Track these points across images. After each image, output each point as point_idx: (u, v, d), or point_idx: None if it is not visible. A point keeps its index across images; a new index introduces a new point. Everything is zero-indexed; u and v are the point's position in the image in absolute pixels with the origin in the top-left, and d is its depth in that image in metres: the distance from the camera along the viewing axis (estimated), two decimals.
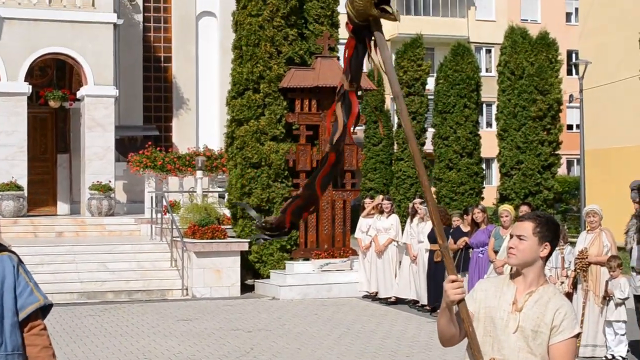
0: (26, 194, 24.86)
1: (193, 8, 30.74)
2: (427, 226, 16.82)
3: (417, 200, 18.18)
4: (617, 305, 12.26)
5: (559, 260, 12.94)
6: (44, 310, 4.70)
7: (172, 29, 30.79)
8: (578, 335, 4.63)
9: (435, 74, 29.09)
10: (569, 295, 12.40)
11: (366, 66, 35.08)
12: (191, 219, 20.76)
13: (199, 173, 23.62)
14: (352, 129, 4.68)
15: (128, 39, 29.59)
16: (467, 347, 4.47)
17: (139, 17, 30.25)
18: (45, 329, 4.70)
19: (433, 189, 27.64)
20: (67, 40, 25.39)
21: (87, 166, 25.46)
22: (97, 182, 24.98)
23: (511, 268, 4.66)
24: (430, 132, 28.74)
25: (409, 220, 18.08)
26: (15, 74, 24.98)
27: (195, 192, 23.30)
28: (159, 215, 22.69)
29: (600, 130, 30.98)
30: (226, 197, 22.94)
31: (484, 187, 27.72)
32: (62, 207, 28.05)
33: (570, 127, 48.74)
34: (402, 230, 18.18)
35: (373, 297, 18.58)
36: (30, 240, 22.60)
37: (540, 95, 25.66)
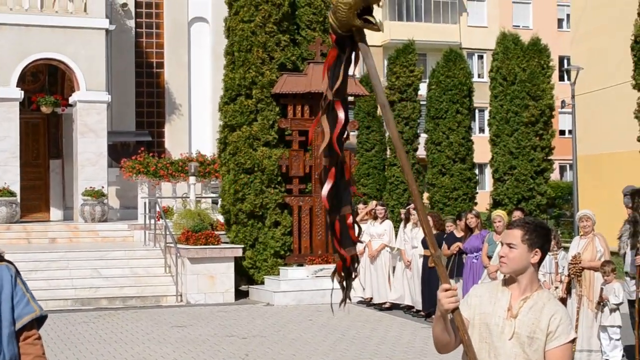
0: (19, 200, 24.82)
1: (185, 14, 30.75)
2: (421, 232, 16.83)
3: (412, 205, 18.19)
4: (611, 310, 12.27)
5: (552, 265, 12.96)
6: (39, 320, 4.76)
7: (164, 34, 30.79)
8: (574, 341, 4.64)
9: (427, 80, 29.11)
10: (563, 301, 12.42)
11: (359, 72, 35.12)
12: (184, 224, 20.73)
13: (192, 179, 23.62)
14: (342, 138, 4.64)
15: (120, 44, 29.58)
16: (463, 354, 4.47)
17: (131, 23, 30.25)
18: (39, 338, 4.75)
19: (426, 195, 27.67)
20: (59, 45, 25.38)
21: (79, 172, 25.42)
22: (90, 188, 24.96)
23: (504, 274, 4.67)
24: (423, 137, 28.75)
25: (402, 225, 18.09)
26: (7, 79, 24.95)
27: (189, 197, 23.29)
28: (152, 221, 22.67)
29: (592, 135, 31.06)
30: (219, 202, 22.93)
31: (477, 193, 27.73)
32: (55, 213, 28.01)
33: (562, 132, 48.85)
34: (396, 235, 18.19)
35: (368, 302, 18.59)
36: (23, 247, 22.54)
37: (533, 101, 25.70)
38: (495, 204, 25.55)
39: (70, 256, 20.95)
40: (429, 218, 16.47)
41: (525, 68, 26.07)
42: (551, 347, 4.41)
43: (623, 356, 12.51)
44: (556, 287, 12.79)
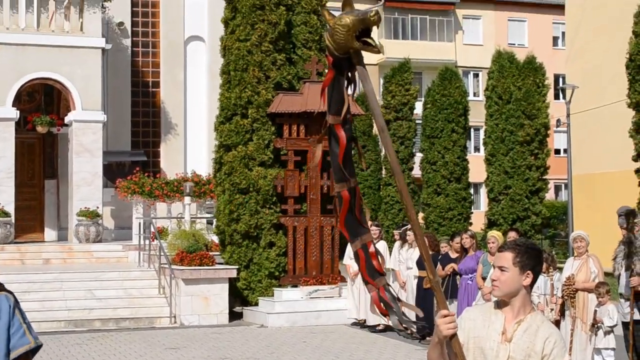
0: (13, 220, 24.74)
1: (181, 33, 30.78)
2: (416, 252, 16.79)
3: (408, 226, 18.13)
4: (605, 332, 12.22)
5: (547, 286, 12.92)
6: (33, 350, 4.78)
7: (160, 53, 30.81)
8: None
9: (423, 99, 29.18)
10: (556, 323, 12.37)
11: (355, 91, 35.15)
12: (179, 245, 20.66)
13: (187, 199, 23.57)
14: (348, 160, 4.62)
15: (116, 64, 29.59)
16: None
17: (127, 42, 30.26)
18: None
19: (421, 215, 27.64)
20: (55, 65, 25.36)
21: (74, 192, 25.36)
22: (85, 208, 24.89)
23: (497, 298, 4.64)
24: (418, 156, 28.77)
25: (397, 246, 18.04)
26: (3, 99, 24.92)
27: (184, 218, 23.23)
28: (147, 242, 22.60)
29: (587, 155, 31.05)
30: (214, 223, 22.87)
31: (472, 212, 27.74)
32: (50, 233, 27.91)
33: (557, 151, 48.86)
34: (390, 255, 18.13)
35: (362, 324, 18.52)
36: (17, 268, 22.46)
37: (528, 119, 25.75)
38: (490, 224, 25.55)
39: (64, 277, 20.87)
40: (425, 238, 16.45)
41: (520, 86, 26.13)
42: None
43: None
44: (552, 309, 12.75)
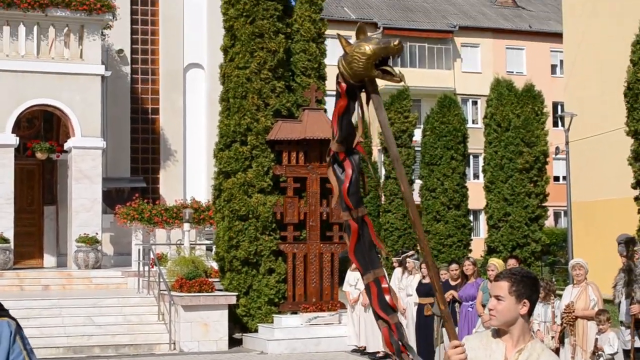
0: (12, 247, 24.71)
1: (181, 60, 30.87)
2: (415, 279, 16.78)
3: (410, 252, 18.14)
4: None
5: (548, 314, 12.91)
6: None
7: (159, 80, 30.87)
8: None
9: (422, 126, 29.24)
10: (556, 351, 12.35)
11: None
12: (179, 272, 20.64)
13: (186, 225, 23.55)
14: (356, 190, 4.62)
15: (116, 90, 29.65)
16: None
17: (127, 69, 30.34)
18: None
19: None
20: (55, 91, 25.41)
21: (74, 218, 25.34)
22: (84, 234, 24.87)
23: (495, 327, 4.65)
24: (418, 183, 28.80)
25: (397, 272, 18.01)
26: (2, 125, 24.95)
27: (183, 244, 23.22)
28: (146, 268, 22.57)
29: (586, 182, 31.08)
30: (214, 249, 22.86)
31: (471, 239, 27.74)
32: (49, 259, 27.87)
33: (557, 178, 48.89)
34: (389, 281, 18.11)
35: (362, 351, 18.47)
36: (16, 294, 22.40)
37: (527, 147, 25.79)
38: (490, 251, 25.53)
39: (63, 303, 20.84)
40: (425, 265, 16.46)
41: (519, 114, 26.19)
42: None
43: None
44: (552, 337, 12.73)
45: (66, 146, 26.16)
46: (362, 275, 4.69)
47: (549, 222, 41.66)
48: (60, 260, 27.41)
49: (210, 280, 20.63)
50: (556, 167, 49.77)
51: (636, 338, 12.60)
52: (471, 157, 45.09)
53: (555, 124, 48.16)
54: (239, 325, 20.86)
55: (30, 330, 18.23)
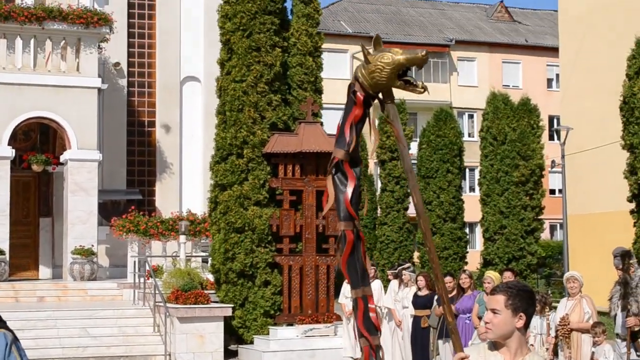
0: (8, 258, 24.68)
1: (177, 73, 30.91)
2: (411, 291, 16.79)
3: (406, 264, 18.14)
4: None
5: (544, 326, 12.93)
6: None
7: (156, 93, 30.91)
8: None
9: (418, 139, 29.29)
10: None
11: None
12: (174, 283, 20.64)
13: (182, 237, 23.54)
14: (357, 200, 4.63)
15: (112, 103, 29.67)
16: None
17: (124, 82, 30.37)
18: None
19: (416, 254, 27.63)
20: (51, 104, 25.42)
21: (69, 230, 25.32)
22: (80, 246, 24.84)
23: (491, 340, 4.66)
24: None
25: (394, 284, 18.00)
26: None
27: (179, 256, 23.21)
28: (142, 280, 22.56)
29: (582, 195, 31.12)
30: (209, 261, 22.85)
31: (467, 252, 27.77)
32: (44, 271, 27.84)
33: (552, 191, 48.96)
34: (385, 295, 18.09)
35: None
36: (11, 305, 22.37)
37: (523, 160, 25.84)
38: (486, 264, 25.56)
39: (59, 315, 20.81)
40: (421, 278, 16.47)
41: (515, 128, 26.25)
42: None
43: None
44: (547, 349, 12.74)
45: (62, 158, 26.16)
46: (352, 289, 4.70)
47: (545, 235, 41.71)
48: (56, 272, 27.38)
49: (205, 292, 20.63)
50: (552, 180, 49.82)
51: (632, 350, 12.61)
52: (467, 170, 45.15)
53: (551, 138, 48.28)
54: (235, 336, 20.85)
55: (26, 341, 18.19)
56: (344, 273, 4.65)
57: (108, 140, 29.20)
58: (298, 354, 19.33)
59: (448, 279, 15.52)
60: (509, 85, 51.02)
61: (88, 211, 25.43)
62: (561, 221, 34.57)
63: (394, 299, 17.56)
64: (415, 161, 28.55)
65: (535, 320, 12.82)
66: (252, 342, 20.41)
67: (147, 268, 22.59)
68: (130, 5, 30.70)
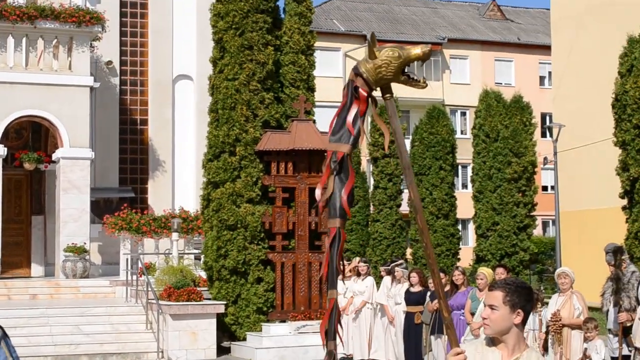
0: (0, 256, 24.65)
1: (170, 71, 30.89)
2: (404, 288, 16.81)
3: (399, 261, 18.17)
4: None
5: (536, 322, 12.96)
6: None
7: (148, 91, 30.89)
8: None
9: (411, 137, 29.30)
10: None
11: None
12: (167, 281, 20.64)
13: (174, 235, 23.53)
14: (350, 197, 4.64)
15: (104, 101, 29.64)
16: None
17: (116, 80, 30.35)
18: None
19: (409, 251, 27.63)
20: (43, 102, 25.38)
21: (62, 228, 25.29)
22: (72, 244, 24.82)
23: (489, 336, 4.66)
24: (406, 193, 28.83)
25: (387, 280, 18.02)
26: None
27: (171, 254, 23.20)
28: (135, 278, 22.54)
29: (574, 191, 31.17)
30: (202, 259, 22.85)
31: (460, 248, 27.80)
32: (37, 269, 27.81)
33: (545, 188, 49.03)
34: (378, 290, 18.12)
35: (349, 359, 18.47)
36: (4, 303, 22.34)
37: (515, 157, 25.87)
38: (479, 260, 25.60)
39: (51, 312, 20.78)
40: (414, 274, 16.49)
41: (507, 125, 26.28)
42: None
43: None
44: (538, 345, 12.78)
45: (54, 157, 26.11)
46: (327, 289, 4.74)
47: (537, 231, 41.76)
48: (48, 270, 27.35)
49: (198, 289, 20.63)
50: (544, 177, 49.91)
51: (624, 346, 12.65)
52: (460, 167, 45.20)
53: (543, 135, 48.35)
54: (228, 333, 20.86)
55: (18, 339, 18.18)
56: (324, 271, 4.66)
57: (100, 138, 29.18)
58: (291, 350, 19.34)
59: (440, 275, 15.53)
60: (501, 83, 51.08)
61: (80, 209, 25.41)
62: (553, 218, 34.61)
63: (387, 296, 17.59)
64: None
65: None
66: (245, 339, 20.41)
67: (140, 265, 22.58)
68: (123, 4, 30.68)
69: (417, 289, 16.35)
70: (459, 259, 26.60)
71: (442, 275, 15.40)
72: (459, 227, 28.60)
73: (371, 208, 31.05)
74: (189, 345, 19.58)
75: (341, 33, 52.40)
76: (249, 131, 21.05)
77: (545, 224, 52.76)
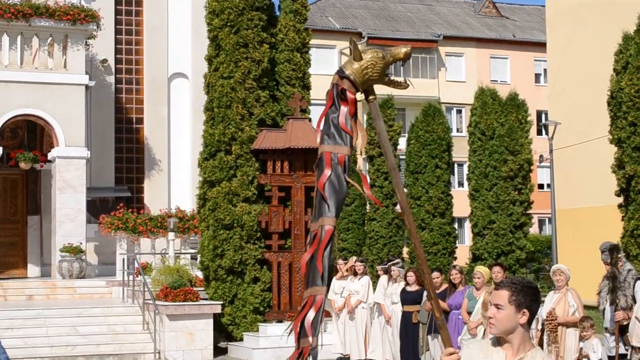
0: None
1: (165, 70, 30.85)
2: (400, 287, 16.79)
3: (395, 260, 18.14)
4: None
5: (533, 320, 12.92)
6: None
7: (143, 90, 30.84)
8: None
9: (406, 134, 29.26)
10: None
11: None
12: (163, 281, 20.62)
13: (171, 234, 23.52)
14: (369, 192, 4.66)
15: (100, 100, 29.60)
16: None
17: (111, 79, 30.30)
18: None
19: (405, 250, 27.60)
20: (39, 101, 25.33)
21: (58, 228, 25.25)
22: (68, 244, 24.77)
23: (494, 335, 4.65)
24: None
25: (384, 279, 17.99)
26: None
27: (168, 253, 23.17)
28: (131, 278, 22.52)
29: (570, 189, 31.20)
30: (198, 258, 22.82)
31: (456, 247, 27.76)
32: (33, 269, 27.75)
33: (541, 186, 49.04)
34: (374, 290, 18.09)
35: (347, 359, 18.46)
36: (0, 304, 22.30)
37: (511, 155, 25.83)
38: (475, 259, 25.57)
39: (47, 313, 20.74)
40: (411, 273, 16.47)
41: (503, 123, 26.21)
42: None
43: None
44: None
45: (50, 156, 26.06)
46: (306, 287, 4.73)
47: (534, 230, 41.77)
48: (44, 270, 27.30)
49: (195, 289, 20.60)
50: (540, 175, 49.94)
51: (620, 344, 12.65)
52: (456, 165, 45.19)
53: (539, 132, 48.36)
54: (224, 334, 20.83)
55: (14, 340, 18.16)
56: (303, 269, 4.66)
57: (96, 137, 29.13)
58: (288, 350, 19.22)
59: (436, 274, 15.52)
60: (497, 81, 51.08)
61: (76, 209, 25.36)
62: (549, 216, 34.64)
63: (383, 295, 17.56)
64: (404, 156, 28.52)
65: None
66: (241, 339, 20.39)
67: (136, 265, 22.56)
68: (118, 2, 30.63)
69: (413, 288, 16.34)
70: (455, 258, 26.57)
71: (438, 274, 15.49)
72: (455, 225, 28.57)
73: (367, 207, 31.02)
74: (185, 346, 19.56)
75: (336, 30, 52.38)
76: (244, 130, 21.02)
77: (541, 222, 52.79)
